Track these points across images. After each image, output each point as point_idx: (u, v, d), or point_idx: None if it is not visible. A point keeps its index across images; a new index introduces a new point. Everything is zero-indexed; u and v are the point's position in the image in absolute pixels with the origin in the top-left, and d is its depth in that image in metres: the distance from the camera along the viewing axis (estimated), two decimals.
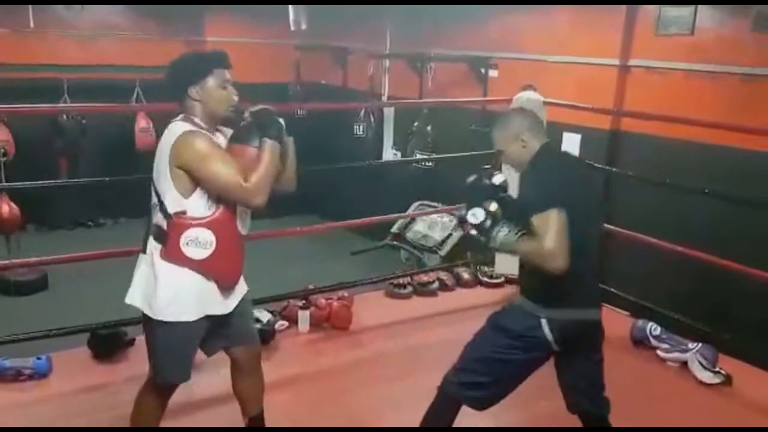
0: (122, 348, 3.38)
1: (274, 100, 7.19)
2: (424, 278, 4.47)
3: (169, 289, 2.15)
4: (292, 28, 6.38)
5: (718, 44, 4.01)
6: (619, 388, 2.45)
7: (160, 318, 2.16)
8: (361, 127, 6.35)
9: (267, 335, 3.48)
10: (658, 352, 3.63)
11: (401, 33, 6.28)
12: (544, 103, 4.22)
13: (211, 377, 2.92)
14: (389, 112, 6.53)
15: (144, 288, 2.19)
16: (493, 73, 5.50)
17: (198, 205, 2.12)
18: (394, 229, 5.89)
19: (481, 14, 5.43)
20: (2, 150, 5.13)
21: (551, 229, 2.04)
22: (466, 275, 4.63)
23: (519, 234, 2.15)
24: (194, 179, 2.09)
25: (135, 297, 2.21)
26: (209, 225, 2.14)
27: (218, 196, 2.14)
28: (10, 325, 3.53)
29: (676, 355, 3.56)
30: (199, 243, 2.13)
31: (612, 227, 4.08)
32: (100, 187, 6.40)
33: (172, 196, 2.11)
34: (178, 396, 2.43)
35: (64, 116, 6.51)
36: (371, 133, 6.39)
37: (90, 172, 6.59)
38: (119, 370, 3.25)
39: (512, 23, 5.26)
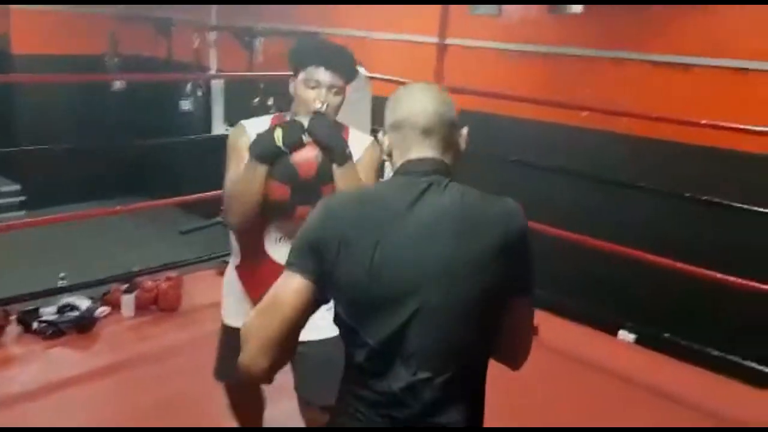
0: None
1: (87, 73, 6.75)
2: None
3: (224, 286, 2.10)
4: None
5: (522, 25, 4.34)
6: None
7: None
8: (188, 101, 6.12)
9: (86, 323, 3.32)
10: None
11: (228, 5, 6.11)
12: (369, 78, 4.34)
13: None
14: (218, 86, 6.35)
15: None
16: None
17: None
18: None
19: None
20: None
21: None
22: None
23: None
24: None
25: None
26: (235, 231, 1.97)
27: None
28: None
29: None
30: (233, 247, 2.02)
31: None
32: None
33: None
34: None
35: None
36: (199, 108, 6.18)
37: None
38: None
39: None
